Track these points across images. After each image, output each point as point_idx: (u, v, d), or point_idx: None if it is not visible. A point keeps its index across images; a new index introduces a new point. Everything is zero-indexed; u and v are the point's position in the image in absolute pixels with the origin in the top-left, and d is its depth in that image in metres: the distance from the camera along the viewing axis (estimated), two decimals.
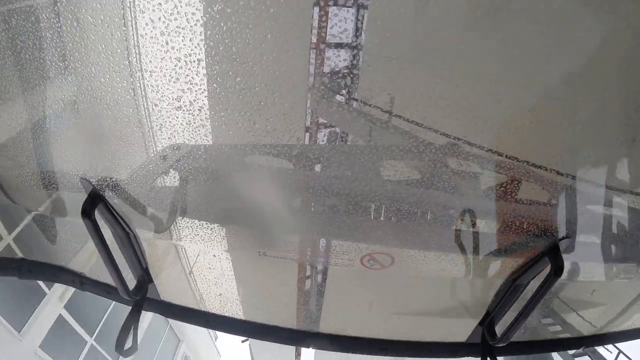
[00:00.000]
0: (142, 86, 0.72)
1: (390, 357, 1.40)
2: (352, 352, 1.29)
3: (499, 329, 1.21)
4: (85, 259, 1.52)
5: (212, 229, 1.04)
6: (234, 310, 1.32)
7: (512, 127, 0.79)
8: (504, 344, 1.15)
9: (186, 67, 0.68)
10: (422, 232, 0.99)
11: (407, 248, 1.02)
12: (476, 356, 1.29)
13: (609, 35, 0.66)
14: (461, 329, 1.31)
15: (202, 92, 0.71)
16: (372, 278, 1.13)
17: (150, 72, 0.70)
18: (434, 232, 1.00)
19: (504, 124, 0.79)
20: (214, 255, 1.16)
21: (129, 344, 1.18)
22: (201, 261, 1.22)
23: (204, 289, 1.30)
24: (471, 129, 0.79)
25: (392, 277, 1.11)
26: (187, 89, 0.71)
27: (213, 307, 1.32)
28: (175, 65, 0.68)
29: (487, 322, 1.21)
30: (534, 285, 1.08)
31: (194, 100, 0.72)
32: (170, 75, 0.70)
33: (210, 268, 1.22)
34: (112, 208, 1.01)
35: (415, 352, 1.35)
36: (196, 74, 0.68)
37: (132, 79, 0.73)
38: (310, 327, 1.33)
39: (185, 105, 0.73)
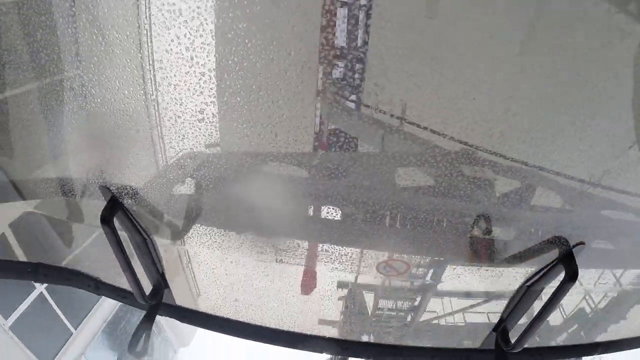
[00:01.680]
0: (166, 99, 0.74)
1: None
2: (365, 358, 1.29)
3: (513, 335, 1.21)
4: (101, 263, 1.54)
5: (229, 235, 1.06)
6: (250, 315, 1.33)
7: (530, 134, 0.80)
8: (518, 351, 1.15)
9: (210, 82, 0.70)
10: (438, 239, 1.00)
11: (422, 255, 1.02)
12: None
13: (621, 44, 0.67)
14: (475, 336, 1.31)
15: (225, 105, 0.72)
16: (387, 284, 1.14)
17: (174, 85, 0.72)
18: (449, 239, 1.01)
19: (521, 132, 0.79)
20: (231, 262, 1.17)
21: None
22: (217, 267, 1.23)
23: (220, 294, 1.32)
24: (488, 136, 0.80)
25: (406, 284, 1.12)
26: (210, 102, 0.73)
27: (228, 312, 1.33)
28: (199, 80, 0.70)
29: (501, 328, 1.21)
30: (547, 291, 1.08)
31: (217, 113, 0.74)
32: (194, 88, 0.71)
33: (226, 274, 1.23)
34: (131, 215, 1.03)
35: (428, 358, 1.35)
36: (220, 88, 0.70)
37: (156, 92, 0.75)
38: (325, 332, 1.33)
39: (208, 118, 0.75)
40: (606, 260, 1.16)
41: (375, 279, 1.11)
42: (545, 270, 1.04)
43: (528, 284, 1.13)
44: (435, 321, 1.33)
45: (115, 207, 0.98)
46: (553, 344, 1.44)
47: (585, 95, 0.75)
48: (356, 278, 1.12)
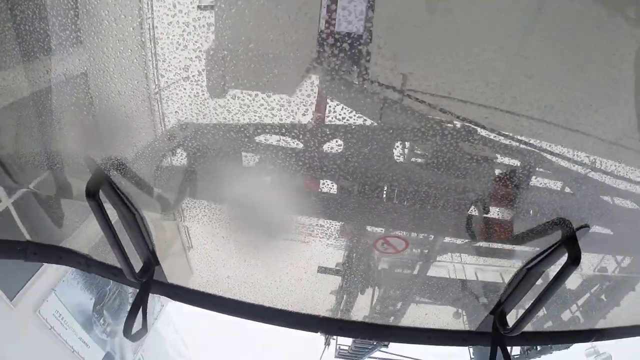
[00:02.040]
0: (147, 55, 0.68)
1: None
2: (361, 338, 1.27)
3: (510, 318, 1.19)
4: (92, 240, 1.51)
5: (220, 209, 1.02)
6: (243, 293, 1.30)
7: (540, 108, 0.75)
8: (516, 334, 1.13)
9: (195, 33, 0.64)
10: (437, 217, 0.96)
11: (421, 233, 0.99)
12: (486, 345, 1.27)
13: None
14: (472, 318, 1.29)
15: (212, 60, 0.67)
16: (384, 262, 1.10)
17: (156, 39, 0.66)
18: (449, 217, 0.97)
19: (531, 104, 0.74)
20: (223, 237, 1.14)
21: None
22: (209, 243, 1.20)
23: (212, 271, 1.29)
24: (496, 109, 0.75)
25: (404, 262, 1.08)
26: (196, 57, 0.67)
27: (221, 289, 1.30)
28: (183, 31, 0.64)
29: (499, 311, 1.19)
30: (547, 274, 1.05)
31: (203, 70, 0.68)
32: (177, 42, 0.66)
33: (217, 250, 1.20)
34: (118, 188, 0.98)
35: (424, 340, 1.33)
36: (206, 40, 0.64)
37: (137, 48, 0.69)
38: (319, 311, 1.31)
39: (193, 76, 0.69)
40: (607, 246, 1.13)
41: (373, 257, 1.07)
42: (547, 252, 1.01)
43: (528, 266, 1.10)
44: (432, 302, 1.31)
45: (100, 180, 0.93)
46: (548, 328, 1.43)
47: (599, 79, 0.71)
48: (353, 255, 1.08)
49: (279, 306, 1.29)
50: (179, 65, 0.69)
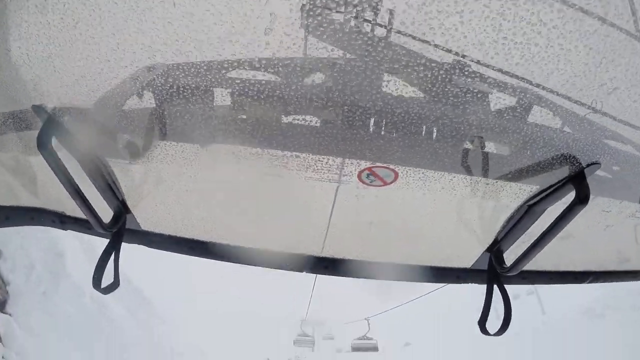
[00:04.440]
0: None
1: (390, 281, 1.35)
2: (351, 277, 1.23)
3: (507, 257, 1.14)
4: (63, 196, 1.42)
5: (192, 149, 0.91)
6: (222, 235, 1.22)
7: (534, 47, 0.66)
8: (514, 274, 1.08)
9: None
10: (431, 148, 0.85)
11: (413, 166, 0.89)
12: (481, 283, 1.24)
13: None
14: (467, 255, 1.24)
15: None
16: (372, 197, 1.01)
17: None
18: (444, 149, 0.86)
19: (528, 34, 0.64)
20: (191, 176, 1.03)
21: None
22: (182, 185, 1.10)
23: (185, 214, 1.20)
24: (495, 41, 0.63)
25: (394, 196, 1.00)
26: None
27: (197, 233, 1.22)
28: None
29: (496, 249, 1.13)
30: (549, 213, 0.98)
31: None
32: None
33: (189, 191, 1.10)
34: (75, 136, 0.88)
35: (416, 277, 1.29)
36: None
37: None
38: (305, 250, 1.24)
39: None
40: (613, 187, 1.06)
41: (360, 190, 0.98)
42: (553, 189, 0.93)
43: (530, 203, 1.03)
44: (425, 238, 1.25)
45: (52, 129, 0.85)
46: (543, 267, 1.40)
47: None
48: (336, 189, 0.99)
49: (261, 246, 1.22)
50: None
